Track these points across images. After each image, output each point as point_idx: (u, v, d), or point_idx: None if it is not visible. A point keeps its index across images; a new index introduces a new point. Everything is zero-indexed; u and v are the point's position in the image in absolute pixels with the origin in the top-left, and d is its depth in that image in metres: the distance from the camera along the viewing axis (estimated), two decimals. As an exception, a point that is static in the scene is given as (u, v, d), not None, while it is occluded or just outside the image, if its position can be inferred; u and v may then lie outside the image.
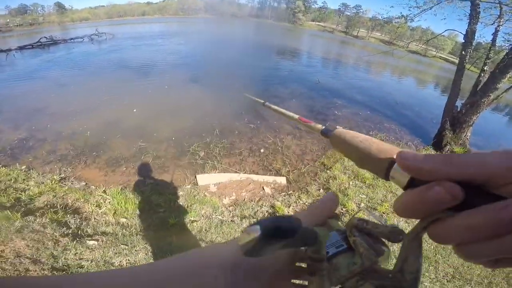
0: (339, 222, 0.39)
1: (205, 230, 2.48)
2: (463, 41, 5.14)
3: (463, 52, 5.12)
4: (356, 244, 0.31)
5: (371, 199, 3.13)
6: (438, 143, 5.02)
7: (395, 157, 0.25)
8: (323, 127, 0.43)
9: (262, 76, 9.08)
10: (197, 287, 0.25)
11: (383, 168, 0.27)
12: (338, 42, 42.80)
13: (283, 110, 0.63)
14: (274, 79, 8.81)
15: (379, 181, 3.44)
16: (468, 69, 5.23)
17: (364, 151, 0.30)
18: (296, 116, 0.56)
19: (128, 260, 2.02)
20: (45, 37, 16.48)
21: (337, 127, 0.39)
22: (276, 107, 0.69)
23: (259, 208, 2.89)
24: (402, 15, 6.44)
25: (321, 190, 3.28)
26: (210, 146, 4.07)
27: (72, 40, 17.86)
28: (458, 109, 5.06)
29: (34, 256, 1.93)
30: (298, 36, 42.79)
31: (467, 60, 5.15)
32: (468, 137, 5.00)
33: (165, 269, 0.26)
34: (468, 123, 4.87)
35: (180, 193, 2.98)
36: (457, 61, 5.60)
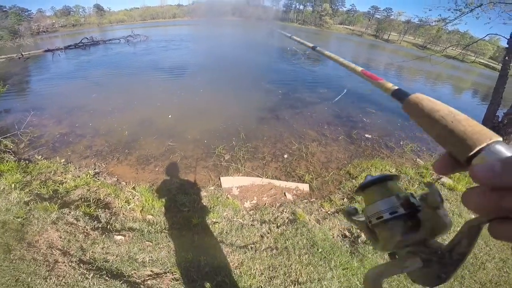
0: (399, 185, 0.40)
1: (226, 232, 2.50)
2: (507, 46, 4.74)
3: (506, 58, 4.73)
4: (427, 217, 0.32)
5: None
6: (475, 156, 4.66)
7: (484, 144, 0.23)
8: (396, 88, 0.37)
9: (288, 80, 9.05)
10: None
11: (465, 152, 0.24)
12: (367, 46, 41.38)
13: (341, 59, 0.56)
14: (300, 83, 8.73)
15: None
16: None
17: (446, 128, 0.26)
18: (359, 69, 0.49)
19: (151, 257, 2.08)
20: (86, 37, 17.79)
21: (411, 94, 0.33)
22: (330, 53, 0.63)
23: (279, 214, 2.86)
24: (442, 18, 6.09)
25: (345, 200, 3.17)
26: (234, 149, 4.13)
27: (110, 41, 19.10)
28: (499, 119, 4.66)
29: (65, 248, 2.05)
30: (325, 39, 42.02)
31: (511, 67, 4.76)
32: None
33: None
34: (510, 135, 4.47)
35: (204, 194, 3.05)
36: (498, 67, 5.19)
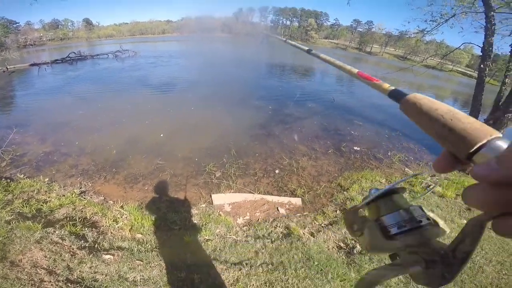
0: (406, 197, 0.40)
1: (219, 249, 2.44)
2: (481, 53, 4.99)
3: (481, 66, 4.96)
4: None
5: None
6: (460, 162, 4.80)
7: (484, 141, 0.23)
8: (393, 88, 0.37)
9: (276, 95, 9.22)
10: None
11: (465, 149, 0.24)
12: (351, 59, 42.97)
13: (337, 62, 0.56)
14: (288, 98, 8.90)
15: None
16: (488, 82, 5.05)
17: (446, 126, 0.26)
18: (355, 70, 0.49)
19: (142, 276, 2.01)
20: (73, 52, 17.66)
21: (407, 93, 0.33)
22: (326, 56, 0.62)
23: (273, 228, 2.83)
24: (421, 30, 6.43)
25: (338, 212, 3.18)
26: (225, 166, 4.11)
27: (98, 56, 19.01)
28: (480, 126, 4.85)
29: (50, 267, 1.96)
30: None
31: (486, 73, 4.98)
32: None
33: None
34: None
35: (195, 211, 2.99)
36: (475, 74, 5.44)
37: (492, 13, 4.69)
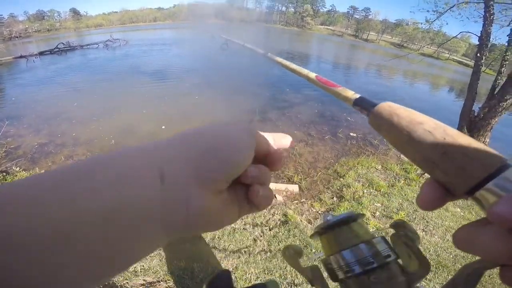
0: (364, 225, 0.33)
1: (218, 237, 2.48)
2: (478, 43, 5.02)
3: (478, 55, 4.99)
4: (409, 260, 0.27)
5: (386, 208, 3.06)
6: (455, 150, 4.88)
7: (494, 169, 0.17)
8: (358, 96, 0.29)
9: (271, 82, 9.13)
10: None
11: (466, 181, 0.18)
12: (348, 46, 42.55)
13: (293, 65, 0.49)
14: (283, 85, 8.83)
15: (394, 189, 3.37)
16: (484, 71, 5.09)
17: (437, 147, 0.19)
18: (313, 75, 0.42)
19: (143, 266, 2.04)
20: (62, 43, 17.10)
21: (378, 102, 0.26)
22: (282, 60, 0.55)
23: (271, 216, 2.87)
24: (426, 20, 6.42)
25: (335, 199, 3.23)
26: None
27: (88, 46, 18.46)
28: (476, 114, 4.92)
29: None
30: (307, 40, 42.81)
31: (482, 63, 5.02)
32: (487, 143, 4.83)
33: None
34: (486, 129, 4.72)
35: (194, 200, 3.01)
36: (471, 64, 5.48)
37: (491, 2, 4.68)
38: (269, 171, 0.25)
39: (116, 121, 5.24)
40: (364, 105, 0.27)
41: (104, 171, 0.17)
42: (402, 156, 4.48)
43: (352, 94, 0.30)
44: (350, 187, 3.40)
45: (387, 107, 0.24)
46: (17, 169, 3.47)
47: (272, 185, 3.38)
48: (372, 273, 0.27)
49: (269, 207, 3.05)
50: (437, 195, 0.20)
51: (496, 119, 4.65)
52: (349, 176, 3.64)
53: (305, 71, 0.44)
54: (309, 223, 2.63)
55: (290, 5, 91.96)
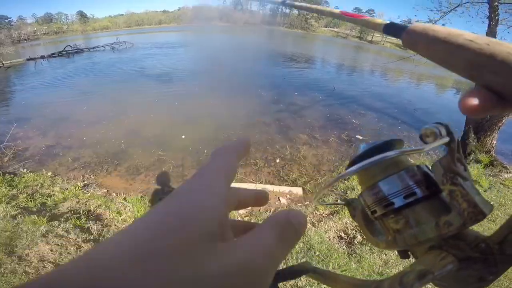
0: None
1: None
2: None
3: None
4: (454, 196, 0.22)
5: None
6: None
7: None
8: (388, 22, 0.28)
9: (277, 84, 9.14)
10: None
11: None
12: (352, 48, 42.39)
13: (314, 6, 0.48)
14: (289, 87, 8.83)
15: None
16: None
17: (482, 52, 0.18)
18: (337, 11, 0.41)
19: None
20: (69, 45, 17.41)
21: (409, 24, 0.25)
22: (302, 4, 0.55)
23: (275, 218, 2.86)
24: (429, 19, 6.38)
25: (339, 201, 3.20)
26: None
27: (94, 49, 18.76)
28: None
29: (57, 261, 2.01)
30: (311, 42, 42.79)
31: None
32: (494, 145, 4.75)
33: None
34: (493, 130, 4.64)
35: (198, 202, 3.01)
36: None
37: (496, 3, 4.65)
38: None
39: (120, 123, 5.30)
40: (395, 29, 0.26)
41: None
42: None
43: (382, 21, 0.29)
44: (354, 190, 3.37)
45: (420, 25, 0.23)
46: (25, 170, 3.53)
47: (276, 188, 3.38)
48: (417, 206, 0.25)
49: (273, 209, 3.04)
50: (485, 98, 0.18)
51: (504, 121, 4.58)
52: (354, 178, 3.61)
53: (328, 8, 0.44)
54: (313, 226, 2.61)
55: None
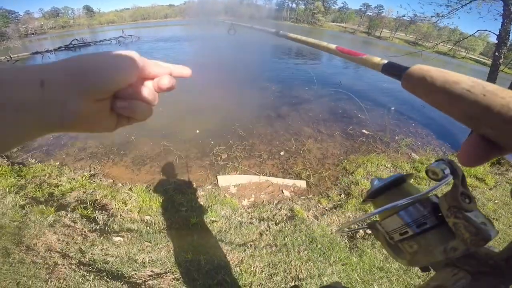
0: (414, 184, 0.33)
1: (225, 230, 2.50)
2: (496, 41, 4.88)
3: (496, 53, 4.84)
4: (458, 227, 0.24)
5: (395, 207, 3.01)
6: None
7: None
8: (386, 62, 0.29)
9: (283, 77, 9.08)
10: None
11: None
12: (360, 43, 41.74)
13: (309, 39, 0.48)
14: (295, 81, 8.76)
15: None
16: (502, 70, 4.96)
17: (477, 103, 0.18)
18: (333, 46, 0.41)
19: (151, 257, 2.07)
20: (76, 39, 17.53)
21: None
22: (297, 36, 0.54)
23: (277, 211, 2.87)
24: (437, 13, 6.25)
25: (342, 195, 3.20)
26: (231, 148, 4.12)
27: (101, 42, 18.86)
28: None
29: (64, 250, 2.03)
30: (318, 37, 42.06)
31: (501, 62, 4.89)
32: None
33: None
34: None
35: (201, 193, 3.04)
36: (489, 62, 5.31)
37: (510, 1, 4.53)
38: (153, 91, 0.30)
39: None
40: (394, 70, 0.27)
41: None
42: (413, 154, 4.40)
43: (380, 60, 0.30)
44: (358, 184, 3.35)
45: (418, 69, 0.23)
46: (33, 160, 3.59)
47: (280, 180, 3.38)
48: (429, 233, 0.28)
49: (276, 201, 3.05)
50: (481, 148, 0.20)
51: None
52: (358, 173, 3.59)
53: (324, 43, 0.44)
54: (315, 219, 2.62)
55: (300, 1, 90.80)
